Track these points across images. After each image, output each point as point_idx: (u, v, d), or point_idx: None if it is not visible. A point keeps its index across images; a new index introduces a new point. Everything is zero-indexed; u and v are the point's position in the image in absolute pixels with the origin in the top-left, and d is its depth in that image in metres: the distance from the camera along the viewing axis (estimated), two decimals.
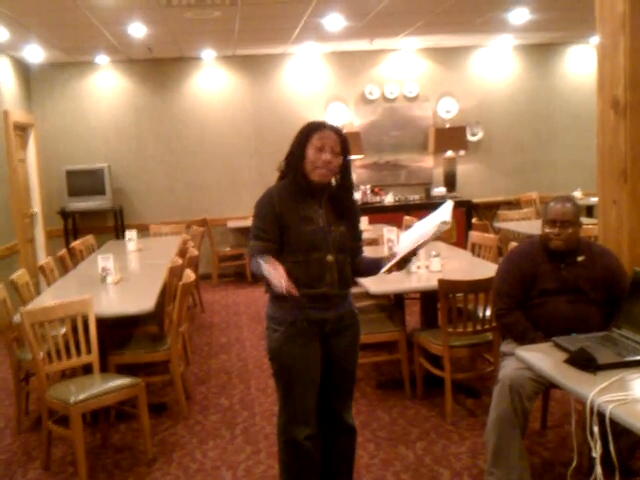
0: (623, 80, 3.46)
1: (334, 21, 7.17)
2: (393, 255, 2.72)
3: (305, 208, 2.71)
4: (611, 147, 3.55)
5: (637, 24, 3.42)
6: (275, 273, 2.44)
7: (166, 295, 4.67)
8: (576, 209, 3.35)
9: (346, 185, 2.80)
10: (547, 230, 3.31)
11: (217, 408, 4.56)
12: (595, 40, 3.75)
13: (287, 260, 2.64)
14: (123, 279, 4.96)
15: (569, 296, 3.27)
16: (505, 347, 3.41)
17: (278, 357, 2.79)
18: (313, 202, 2.73)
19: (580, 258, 3.32)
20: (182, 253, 5.99)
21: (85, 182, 8.64)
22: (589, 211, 8.80)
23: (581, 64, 9.83)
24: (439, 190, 9.30)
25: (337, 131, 2.72)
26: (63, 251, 6.21)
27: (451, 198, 8.66)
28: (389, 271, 2.67)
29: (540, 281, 3.32)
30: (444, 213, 2.61)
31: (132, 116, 9.20)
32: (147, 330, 4.89)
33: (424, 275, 4.54)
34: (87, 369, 3.93)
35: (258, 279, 2.72)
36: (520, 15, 7.45)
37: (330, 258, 2.71)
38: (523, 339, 3.26)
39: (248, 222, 10.08)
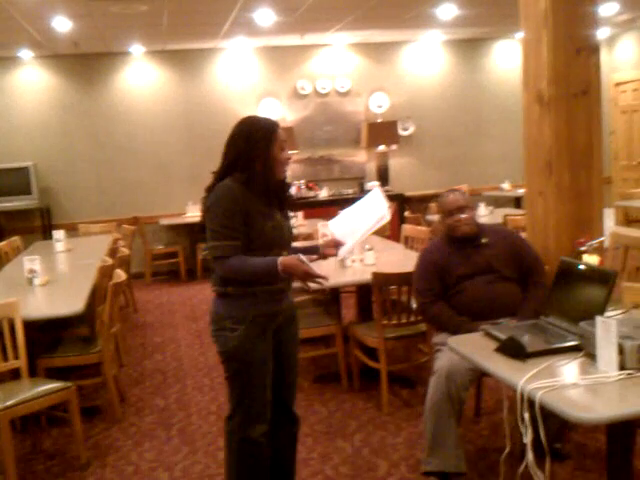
0: (547, 74, 3.55)
1: (264, 16, 7.13)
2: (335, 242, 2.82)
3: (264, 205, 2.70)
4: (536, 140, 3.65)
5: (559, 20, 3.51)
6: (310, 270, 2.56)
7: (96, 296, 4.55)
8: (465, 195, 3.60)
9: (286, 179, 2.85)
10: (449, 221, 3.51)
11: (152, 409, 4.49)
12: (520, 35, 3.84)
13: None
14: (51, 280, 4.81)
15: (484, 277, 3.42)
16: (437, 338, 3.47)
17: (239, 356, 2.72)
18: (268, 199, 2.72)
19: (484, 240, 3.51)
20: (112, 252, 5.86)
21: (10, 181, 8.36)
22: (517, 202, 9.04)
23: (507, 59, 10.06)
24: (372, 184, 9.36)
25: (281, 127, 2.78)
26: None
27: (384, 192, 8.73)
28: (327, 256, 2.82)
29: (453, 269, 3.46)
30: (379, 204, 2.73)
31: (58, 113, 8.93)
32: (77, 332, 4.76)
33: (359, 269, 4.57)
34: (15, 374, 3.80)
35: (246, 277, 2.65)
36: (448, 10, 7.58)
37: (285, 254, 2.73)
38: (450, 326, 3.35)
39: (181, 219, 9.88)
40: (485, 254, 3.46)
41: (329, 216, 6.82)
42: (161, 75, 9.20)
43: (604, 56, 9.75)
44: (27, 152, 8.73)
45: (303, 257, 2.57)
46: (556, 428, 3.09)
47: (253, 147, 2.66)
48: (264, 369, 2.76)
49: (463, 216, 3.47)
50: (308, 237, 6.28)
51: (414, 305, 4.08)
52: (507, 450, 2.77)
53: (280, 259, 2.57)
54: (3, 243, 6.59)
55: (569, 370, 2.32)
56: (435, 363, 3.28)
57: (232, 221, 2.61)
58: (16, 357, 3.71)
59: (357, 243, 2.92)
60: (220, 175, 2.72)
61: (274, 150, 2.68)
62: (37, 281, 4.67)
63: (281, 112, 9.37)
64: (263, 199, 2.69)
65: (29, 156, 8.66)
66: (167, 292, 8.31)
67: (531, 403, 2.19)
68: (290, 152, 2.83)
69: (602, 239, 3.61)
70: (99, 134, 9.07)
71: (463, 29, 9.06)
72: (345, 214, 2.96)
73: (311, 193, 9.20)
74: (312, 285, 2.65)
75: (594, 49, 3.63)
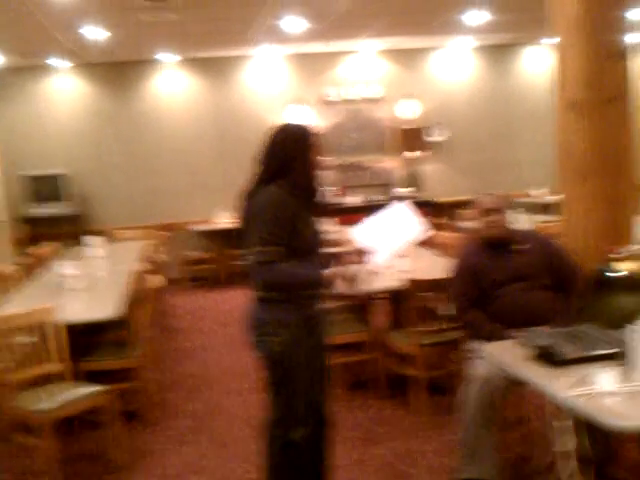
0: (579, 80, 3.53)
1: (293, 23, 7.19)
2: (360, 250, 2.85)
3: (305, 211, 2.76)
4: (571, 146, 3.63)
5: (593, 24, 3.50)
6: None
7: (132, 301, 4.62)
8: (499, 197, 3.58)
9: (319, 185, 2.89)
10: (482, 221, 3.52)
11: (187, 413, 4.54)
12: (547, 41, 3.83)
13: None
14: (88, 286, 4.90)
15: (520, 284, 3.39)
16: (472, 346, 3.46)
17: (284, 360, 2.75)
18: (308, 205, 2.79)
19: (519, 246, 3.49)
20: (147, 258, 5.94)
21: (46, 188, 8.53)
22: (548, 209, 8.96)
23: (536, 64, 10.00)
24: (403, 190, 9.38)
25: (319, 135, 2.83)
26: (25, 258, 6.10)
27: (414, 198, 8.74)
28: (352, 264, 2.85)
29: (489, 274, 3.44)
30: (410, 215, 2.79)
31: (92, 120, 9.08)
32: (114, 337, 4.83)
33: (391, 275, 4.57)
34: (55, 377, 3.87)
35: (288, 284, 2.72)
36: (476, 17, 7.58)
37: (317, 260, 2.80)
38: (483, 334, 3.34)
39: (212, 225, 9.90)
40: (520, 261, 3.44)
41: (359, 223, 6.83)
42: (192, 82, 9.31)
43: (638, 60, 9.65)
44: (62, 159, 8.89)
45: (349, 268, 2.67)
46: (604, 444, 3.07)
47: (295, 154, 2.71)
48: (307, 372, 2.79)
49: (494, 218, 3.48)
50: (338, 243, 6.29)
51: (444, 312, 4.08)
52: (541, 458, 2.77)
53: (326, 272, 2.68)
54: (40, 249, 6.71)
55: (606, 378, 2.32)
56: (471, 370, 3.27)
57: (280, 227, 2.65)
58: (55, 361, 3.79)
59: (392, 254, 2.93)
60: (262, 182, 2.75)
61: (313, 157, 2.74)
62: (74, 286, 4.76)
63: (310, 119, 9.40)
64: (304, 205, 2.74)
65: (64, 163, 8.82)
66: (199, 298, 8.39)
67: (568, 411, 2.19)
68: (324, 158, 2.86)
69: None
70: (132, 141, 9.20)
71: (492, 35, 9.04)
72: (369, 223, 2.98)
73: (341, 200, 9.22)
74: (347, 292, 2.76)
75: (623, 54, 3.61)
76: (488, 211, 3.49)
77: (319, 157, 2.77)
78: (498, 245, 3.49)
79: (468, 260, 3.56)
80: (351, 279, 2.70)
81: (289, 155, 2.72)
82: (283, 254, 2.65)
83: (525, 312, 3.30)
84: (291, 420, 2.80)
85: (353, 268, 2.72)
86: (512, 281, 3.40)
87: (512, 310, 3.34)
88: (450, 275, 3.62)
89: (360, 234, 2.95)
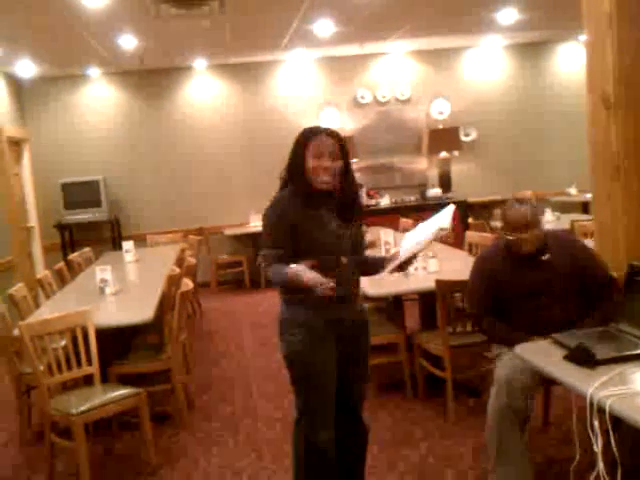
0: (612, 77, 3.48)
1: (323, 27, 7.20)
2: (395, 256, 2.76)
3: (317, 213, 2.71)
4: (603, 143, 3.57)
5: (624, 21, 3.44)
6: (314, 277, 2.41)
7: (165, 304, 4.67)
8: (533, 209, 3.28)
9: (350, 187, 2.80)
10: (512, 237, 3.25)
11: (219, 415, 4.57)
12: (584, 37, 3.77)
13: None
14: (122, 290, 4.97)
15: (542, 297, 3.23)
16: (495, 350, 3.40)
17: (301, 361, 2.76)
18: (322, 207, 2.73)
19: (546, 256, 3.27)
20: (180, 262, 6.00)
21: (81, 194, 8.67)
22: (585, 207, 8.83)
23: (571, 61, 9.87)
24: (434, 191, 9.33)
25: (333, 135, 2.71)
26: (61, 264, 6.21)
27: (446, 199, 8.69)
28: (391, 271, 2.76)
29: (509, 287, 3.29)
30: (444, 218, 2.66)
31: (126, 127, 9.21)
32: (147, 340, 4.89)
33: (422, 276, 4.55)
34: (88, 380, 3.93)
35: (278, 285, 2.72)
36: (508, 15, 7.50)
37: (344, 260, 2.74)
38: (501, 341, 3.28)
39: (244, 229, 10.04)
40: (545, 273, 3.25)
41: (391, 224, 6.81)
42: (224, 88, 9.38)
43: None
44: (97, 166, 9.02)
45: (301, 267, 2.46)
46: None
47: (291, 156, 2.72)
48: (325, 375, 2.77)
49: (526, 236, 3.21)
50: (370, 245, 6.28)
51: None
52: (577, 460, 2.72)
53: (291, 268, 2.48)
54: (75, 254, 6.84)
55: None
56: (495, 372, 3.22)
57: (276, 230, 2.66)
58: (89, 364, 3.85)
59: (404, 257, 2.73)
60: (282, 186, 2.78)
61: (307, 158, 2.66)
62: (108, 290, 4.83)
63: (341, 121, 9.41)
64: (315, 207, 2.70)
65: (99, 170, 8.95)
66: (232, 300, 8.45)
67: (601, 411, 2.15)
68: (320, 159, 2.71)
69: None
70: (165, 147, 9.30)
71: (524, 33, 8.94)
72: (419, 229, 2.82)
73: (372, 201, 9.20)
74: (324, 291, 2.45)
75: None
76: (521, 227, 3.22)
77: (316, 158, 2.64)
78: (524, 257, 3.29)
79: (487, 265, 3.42)
80: (306, 283, 2.42)
81: (291, 159, 2.72)
82: (283, 257, 2.60)
83: (546, 327, 3.08)
84: (312, 422, 2.79)
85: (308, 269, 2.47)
86: (533, 294, 3.24)
87: (532, 325, 3.20)
88: (469, 280, 3.53)
89: (406, 241, 2.81)
